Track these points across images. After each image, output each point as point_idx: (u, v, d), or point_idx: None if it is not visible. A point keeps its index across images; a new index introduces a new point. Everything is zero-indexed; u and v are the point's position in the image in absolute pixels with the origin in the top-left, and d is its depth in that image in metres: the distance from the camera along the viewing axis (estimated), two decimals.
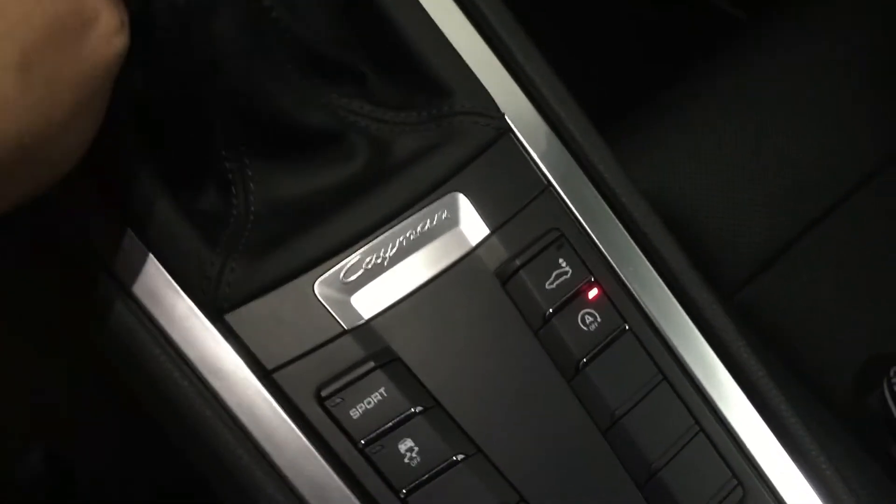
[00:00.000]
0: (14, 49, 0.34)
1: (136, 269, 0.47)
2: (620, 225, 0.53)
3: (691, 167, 0.92)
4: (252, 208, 0.51)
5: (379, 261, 0.49)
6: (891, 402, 0.81)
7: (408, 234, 0.49)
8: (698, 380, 0.52)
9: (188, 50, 0.46)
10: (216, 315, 0.47)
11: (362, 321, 0.48)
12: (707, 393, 0.52)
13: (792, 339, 0.86)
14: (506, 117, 0.53)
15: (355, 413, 0.46)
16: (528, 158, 0.53)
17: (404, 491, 0.46)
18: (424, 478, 0.46)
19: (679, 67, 1.06)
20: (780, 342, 0.86)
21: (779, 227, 0.91)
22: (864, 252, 0.92)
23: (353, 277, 0.48)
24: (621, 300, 0.51)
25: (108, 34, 0.39)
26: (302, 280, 0.48)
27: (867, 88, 1.01)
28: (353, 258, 0.48)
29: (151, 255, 0.47)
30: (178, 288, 0.47)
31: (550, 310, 0.49)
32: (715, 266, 0.88)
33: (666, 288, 0.53)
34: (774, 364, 0.82)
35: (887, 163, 0.97)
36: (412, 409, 0.46)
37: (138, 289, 0.47)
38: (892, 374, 0.82)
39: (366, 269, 0.48)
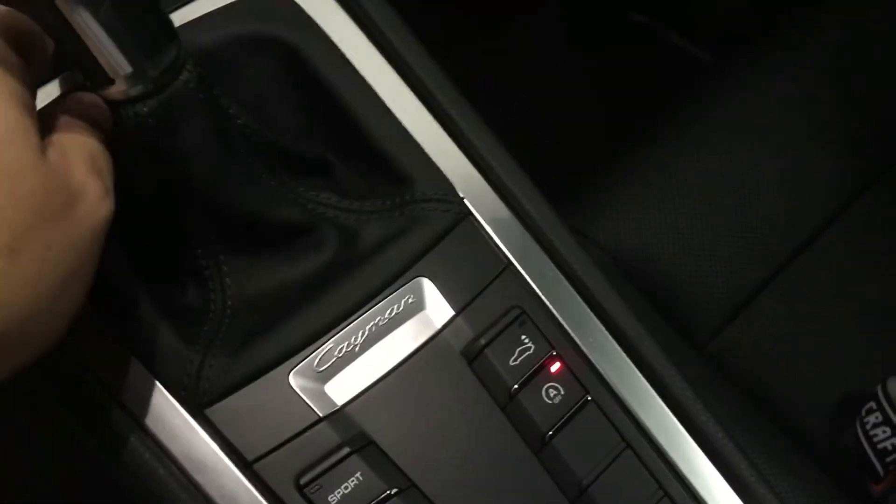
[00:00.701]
0: (3, 232, 0.35)
1: (118, 369, 0.49)
2: (579, 298, 0.56)
3: (655, 220, 0.95)
4: (229, 303, 0.53)
5: (350, 348, 0.51)
6: (864, 441, 0.83)
7: (377, 321, 0.52)
8: (661, 446, 0.54)
9: (158, 161, 0.49)
10: (197, 410, 0.49)
11: (336, 408, 0.50)
12: (670, 458, 0.54)
13: (766, 383, 0.89)
14: (465, 201, 0.56)
15: (333, 499, 0.48)
16: (489, 239, 0.56)
17: None
18: None
19: (644, 112, 1.09)
20: (754, 387, 0.88)
21: (746, 273, 0.94)
22: (831, 293, 0.95)
23: (326, 366, 0.51)
24: (583, 371, 0.54)
25: (94, 203, 0.40)
26: (277, 372, 0.50)
27: (829, 129, 1.04)
28: (325, 347, 0.51)
29: (134, 357, 0.49)
30: (161, 386, 0.49)
31: (515, 386, 0.52)
32: (686, 317, 0.90)
33: (626, 357, 0.55)
34: (749, 408, 0.84)
35: (849, 204, 1.00)
36: (388, 492, 0.48)
37: (121, 388, 0.49)
38: (863, 412, 0.84)
39: (338, 357, 0.51)
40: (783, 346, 0.91)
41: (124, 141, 0.48)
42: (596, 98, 1.53)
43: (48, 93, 0.54)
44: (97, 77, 0.44)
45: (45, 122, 0.42)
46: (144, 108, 0.45)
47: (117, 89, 0.45)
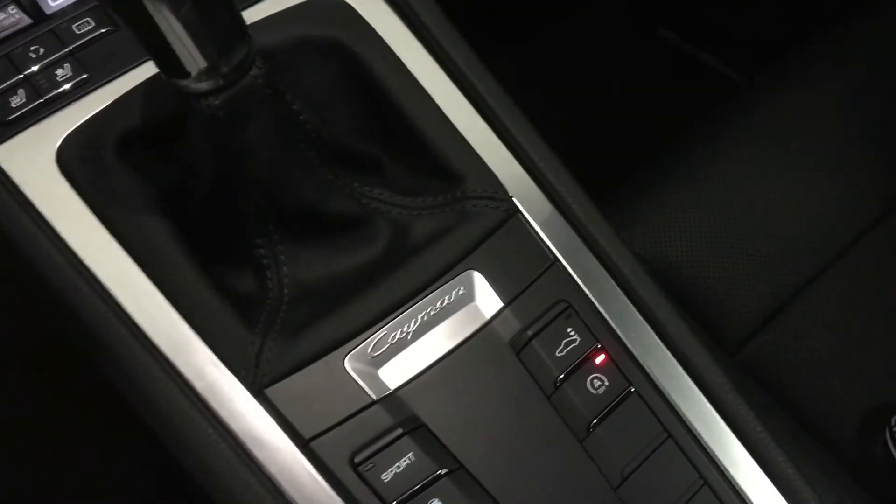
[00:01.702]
0: None
1: (185, 350, 0.52)
2: (623, 294, 0.58)
3: (690, 230, 0.96)
4: (286, 291, 0.56)
5: (403, 335, 0.53)
6: (893, 449, 0.84)
7: (428, 310, 0.54)
8: (700, 436, 0.56)
9: (225, 153, 0.51)
10: (257, 390, 0.51)
11: (389, 391, 0.52)
12: (709, 448, 0.56)
13: (795, 392, 0.90)
14: (513, 199, 0.58)
15: (386, 477, 0.50)
16: (535, 236, 0.58)
17: None
18: None
19: (676, 128, 1.11)
20: (784, 395, 0.89)
21: (777, 284, 0.95)
22: (861, 305, 0.95)
23: (379, 352, 0.53)
24: (626, 364, 0.56)
25: None
26: (333, 356, 0.52)
27: (860, 148, 1.06)
28: (379, 334, 0.53)
29: (200, 339, 0.52)
30: (223, 367, 0.51)
31: (561, 375, 0.54)
32: (717, 324, 0.92)
33: (668, 351, 0.57)
34: (779, 417, 0.85)
35: (883, 215, 1.01)
36: (438, 472, 0.51)
37: (187, 369, 0.51)
38: (893, 422, 0.85)
39: (391, 344, 0.53)
40: (814, 354, 0.92)
41: (194, 131, 0.51)
42: (623, 110, 1.55)
43: (138, 75, 0.57)
44: (174, 69, 0.47)
45: None
46: (216, 101, 0.48)
47: (192, 82, 0.47)
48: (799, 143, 1.05)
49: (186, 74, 0.47)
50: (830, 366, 0.92)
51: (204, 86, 0.47)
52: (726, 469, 0.56)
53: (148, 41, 0.46)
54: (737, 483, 0.56)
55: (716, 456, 0.56)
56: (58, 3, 0.61)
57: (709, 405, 0.57)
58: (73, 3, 0.61)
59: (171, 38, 0.45)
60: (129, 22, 0.47)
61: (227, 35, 0.47)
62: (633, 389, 0.55)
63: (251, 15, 0.61)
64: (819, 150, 1.05)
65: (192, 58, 0.46)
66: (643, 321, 0.58)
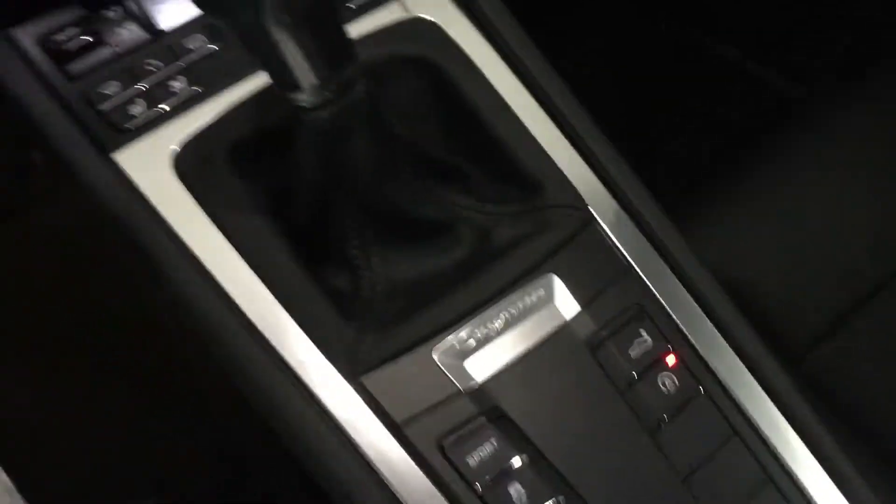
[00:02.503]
0: None
1: (289, 340, 0.57)
2: (693, 300, 0.62)
3: (754, 242, 0.99)
4: (378, 287, 0.60)
5: (487, 331, 0.58)
6: None
7: (511, 309, 0.58)
8: (766, 436, 0.59)
9: (329, 162, 0.56)
10: (353, 378, 0.56)
11: (475, 383, 0.57)
12: (774, 448, 0.59)
13: (856, 404, 0.92)
14: (590, 208, 0.62)
15: (471, 460, 0.54)
16: (610, 243, 0.62)
17: None
18: None
19: (739, 144, 1.14)
20: (844, 408, 0.91)
21: (841, 296, 0.97)
22: None
23: (465, 346, 0.57)
24: (696, 366, 0.60)
25: None
26: (423, 348, 0.57)
27: None
28: (465, 329, 0.58)
29: (301, 331, 0.57)
30: (324, 356, 0.56)
31: (634, 374, 0.58)
32: (779, 335, 0.94)
33: (736, 356, 0.61)
34: (840, 427, 0.87)
35: None
36: (520, 458, 0.55)
37: (290, 357, 0.56)
38: None
39: (476, 339, 0.57)
40: (873, 370, 0.93)
41: (302, 141, 0.56)
42: (686, 123, 1.58)
43: (246, 88, 0.63)
44: (287, 84, 0.52)
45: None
46: (324, 115, 0.53)
47: (303, 96, 0.52)
48: (862, 162, 1.06)
49: (300, 89, 0.52)
50: (892, 379, 0.93)
51: (314, 100, 0.52)
52: (791, 468, 0.59)
53: (267, 60, 0.51)
54: (800, 482, 0.59)
55: (780, 456, 0.59)
56: (172, 20, 0.67)
57: (773, 407, 0.60)
58: (187, 21, 0.66)
59: (288, 57, 0.50)
60: (252, 43, 0.52)
61: (337, 54, 0.52)
62: (702, 390, 0.59)
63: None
64: (883, 169, 1.06)
65: (306, 74, 0.51)
66: (711, 325, 0.61)
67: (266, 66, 0.53)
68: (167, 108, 0.62)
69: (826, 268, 0.98)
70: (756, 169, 1.07)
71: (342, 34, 0.52)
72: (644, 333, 0.59)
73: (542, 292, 0.59)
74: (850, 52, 1.44)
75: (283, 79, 0.51)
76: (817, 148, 1.08)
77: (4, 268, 1.40)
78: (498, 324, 0.58)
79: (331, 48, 0.51)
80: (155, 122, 0.62)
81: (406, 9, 0.68)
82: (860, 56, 1.21)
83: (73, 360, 1.28)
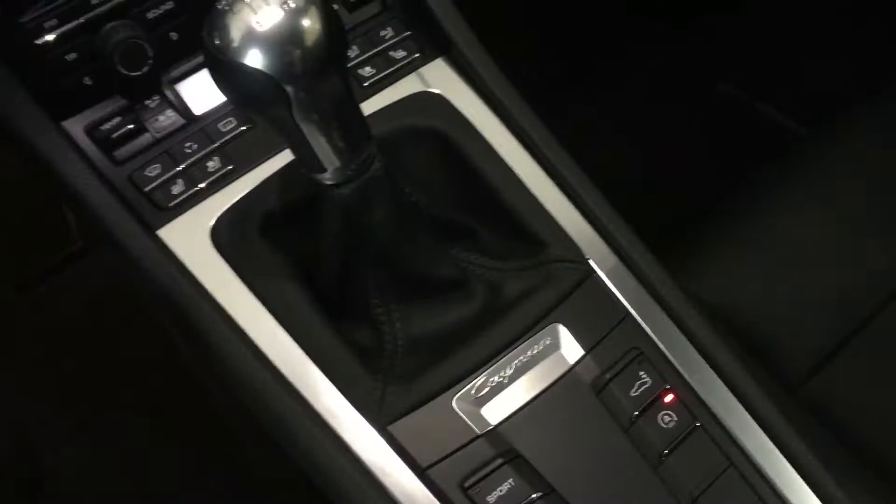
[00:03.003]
0: None
1: (321, 395, 0.63)
2: (687, 341, 0.67)
3: (752, 273, 1.04)
4: (399, 343, 0.66)
5: (500, 379, 0.64)
6: None
7: (521, 358, 0.64)
8: (760, 466, 0.65)
9: (352, 232, 0.63)
10: (381, 427, 0.62)
11: (491, 427, 0.62)
12: (768, 477, 0.64)
13: (854, 429, 0.96)
14: (590, 261, 0.68)
15: (491, 499, 0.60)
16: (610, 293, 0.68)
17: None
18: None
19: (734, 177, 1.19)
20: (842, 432, 0.96)
21: (836, 324, 1.01)
22: None
23: (481, 393, 0.63)
24: (692, 402, 0.65)
25: None
26: (443, 397, 0.63)
27: None
28: (480, 378, 0.63)
29: (332, 385, 0.63)
30: (354, 409, 0.62)
31: (636, 412, 0.64)
32: (777, 363, 0.99)
33: (730, 392, 0.66)
34: (836, 452, 0.91)
35: None
36: (535, 495, 0.60)
37: (322, 409, 0.62)
38: None
39: (491, 387, 0.63)
40: (875, 393, 0.98)
41: (327, 214, 0.62)
42: (682, 161, 1.62)
43: (274, 164, 0.70)
44: (313, 167, 0.58)
45: None
46: (346, 191, 0.59)
47: (327, 177, 0.59)
48: (858, 194, 1.11)
49: (324, 170, 0.58)
50: (888, 404, 0.97)
51: (337, 178, 0.59)
52: (784, 495, 0.64)
53: (295, 148, 0.58)
54: None
55: (774, 483, 0.64)
56: (205, 105, 0.74)
57: (765, 437, 0.65)
58: (217, 106, 0.73)
59: (314, 147, 0.56)
60: (281, 134, 0.59)
61: (357, 139, 0.58)
62: (698, 424, 0.64)
63: (363, 108, 0.72)
64: (878, 201, 1.11)
65: (330, 160, 0.57)
66: (706, 365, 0.67)
67: (294, 152, 0.59)
68: (204, 186, 0.69)
69: (823, 297, 1.03)
70: (754, 202, 1.12)
71: (361, 121, 0.59)
72: (644, 374, 0.64)
73: (548, 341, 0.65)
74: (847, 89, 1.49)
75: (310, 164, 0.58)
76: (812, 180, 1.13)
77: (43, 325, 1.47)
78: (510, 371, 0.64)
79: (351, 135, 0.58)
80: (193, 199, 0.69)
81: (415, 84, 0.75)
82: (857, 92, 1.26)
83: (110, 411, 1.34)
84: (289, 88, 0.52)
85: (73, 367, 1.40)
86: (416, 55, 0.76)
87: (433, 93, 0.75)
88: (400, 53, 0.76)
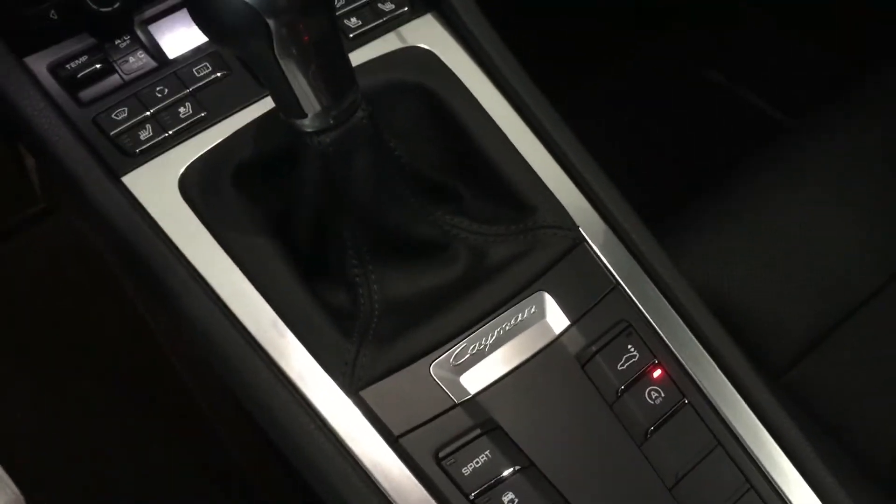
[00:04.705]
0: None
1: (290, 355, 0.59)
2: (677, 315, 0.64)
3: (737, 258, 1.02)
4: (376, 305, 0.63)
5: (481, 347, 0.60)
6: None
7: (504, 325, 0.61)
8: (747, 446, 0.62)
9: (331, 184, 0.59)
10: (353, 392, 0.58)
11: (469, 396, 0.59)
12: (755, 457, 0.62)
13: (836, 417, 0.94)
14: (580, 229, 0.65)
15: (466, 471, 0.57)
16: (599, 262, 0.65)
17: None
18: None
19: (722, 165, 1.17)
20: (825, 420, 0.94)
21: (822, 312, 1.00)
22: None
23: (461, 361, 0.60)
24: (681, 379, 0.62)
25: None
26: (420, 363, 0.59)
27: None
28: (460, 345, 0.60)
29: (302, 346, 0.59)
30: (324, 371, 0.59)
31: (622, 387, 0.61)
32: (762, 349, 0.97)
33: (718, 369, 0.63)
34: (819, 437, 0.90)
35: None
36: (513, 468, 0.57)
37: (291, 372, 0.59)
38: None
39: (471, 354, 0.60)
40: (854, 383, 0.96)
41: (305, 164, 0.59)
42: (670, 149, 1.61)
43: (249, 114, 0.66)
44: (292, 111, 0.55)
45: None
46: (327, 139, 0.56)
47: (307, 122, 0.55)
48: (844, 181, 1.10)
49: (304, 115, 0.54)
50: (871, 393, 0.96)
51: (317, 125, 0.55)
52: (770, 475, 0.62)
53: (274, 88, 0.54)
54: (780, 488, 0.62)
55: (761, 463, 0.62)
56: (179, 49, 0.70)
57: (755, 417, 0.63)
58: (192, 50, 0.69)
59: (294, 87, 0.53)
60: (260, 72, 0.55)
61: (340, 84, 0.55)
62: (686, 401, 0.62)
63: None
64: (863, 189, 1.10)
65: (310, 102, 0.54)
66: (696, 340, 0.64)
67: (272, 94, 0.55)
68: (173, 133, 0.65)
69: (808, 285, 1.01)
70: (741, 187, 1.10)
71: (345, 64, 0.55)
72: (631, 348, 0.61)
73: (533, 309, 0.62)
74: (835, 79, 1.48)
75: (289, 106, 0.54)
76: (801, 167, 1.11)
77: (1, 286, 1.42)
78: (492, 339, 0.60)
79: (334, 78, 0.54)
80: (162, 145, 0.65)
81: (403, 39, 0.72)
82: (844, 82, 1.25)
83: (72, 376, 1.30)
84: (271, 22, 0.48)
85: (33, 330, 1.35)
86: (405, 8, 0.72)
87: (422, 48, 0.71)
88: (388, 6, 0.72)
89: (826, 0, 1.55)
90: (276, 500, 1.11)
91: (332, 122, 0.55)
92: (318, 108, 0.54)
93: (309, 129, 0.55)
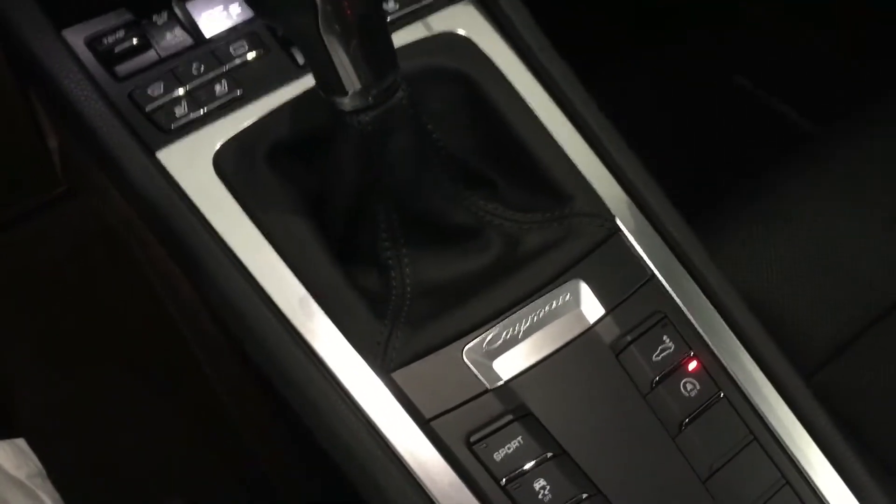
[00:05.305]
0: None
1: (322, 336, 0.58)
2: (713, 308, 0.63)
3: (765, 264, 1.01)
4: (408, 288, 0.62)
5: (515, 333, 0.60)
6: None
7: (538, 312, 0.60)
8: (784, 442, 0.61)
9: (369, 164, 0.59)
10: (384, 374, 0.58)
11: (502, 382, 0.58)
12: (791, 452, 0.61)
13: (864, 420, 0.93)
14: (616, 219, 0.64)
15: (498, 456, 0.56)
16: (635, 252, 0.64)
17: None
18: None
19: (747, 172, 1.16)
20: (850, 424, 0.93)
21: (849, 318, 0.99)
22: None
23: (494, 346, 0.59)
24: (716, 372, 0.61)
25: None
26: (452, 347, 0.59)
27: None
28: (493, 331, 0.59)
29: (334, 326, 0.58)
30: (356, 352, 0.58)
31: (657, 378, 0.60)
32: (792, 349, 0.95)
33: (754, 363, 0.63)
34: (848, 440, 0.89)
35: None
36: (544, 455, 0.56)
37: (323, 351, 0.58)
38: None
39: (504, 340, 0.59)
40: (880, 388, 0.95)
41: (343, 144, 0.58)
42: (695, 153, 1.60)
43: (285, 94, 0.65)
44: (334, 89, 0.54)
45: None
46: (366, 118, 0.55)
47: (347, 100, 0.55)
48: (872, 188, 1.09)
49: (344, 93, 0.54)
50: None
51: (357, 103, 0.55)
52: (806, 471, 0.61)
53: (316, 64, 0.54)
54: (815, 485, 0.61)
55: (797, 459, 0.61)
56: (216, 27, 0.69)
57: (790, 412, 0.62)
58: (229, 29, 0.69)
59: (336, 63, 0.52)
60: (303, 48, 0.55)
61: (381, 63, 0.54)
62: (722, 395, 0.61)
63: None
64: (890, 196, 1.09)
65: (352, 80, 0.53)
66: (731, 333, 0.63)
67: (313, 70, 0.55)
68: (209, 110, 0.65)
69: (836, 291, 1.00)
70: (769, 193, 1.09)
71: (388, 43, 0.55)
72: (667, 339, 0.61)
73: (568, 297, 0.61)
74: (859, 86, 1.47)
75: (329, 83, 0.54)
76: (830, 180, 1.10)
77: (23, 269, 1.42)
78: (526, 326, 0.60)
79: (376, 56, 0.54)
80: (197, 122, 0.64)
81: (440, 24, 0.71)
82: (871, 90, 1.24)
83: (90, 360, 1.30)
84: None
85: (52, 314, 1.35)
86: None
87: (459, 34, 0.71)
88: None
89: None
90: (295, 497, 1.11)
91: (371, 101, 0.55)
92: (358, 86, 0.54)
93: (348, 108, 0.55)
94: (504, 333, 0.59)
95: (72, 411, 1.23)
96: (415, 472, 0.56)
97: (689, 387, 0.60)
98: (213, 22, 0.69)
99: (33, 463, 0.72)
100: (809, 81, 1.63)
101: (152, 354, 1.27)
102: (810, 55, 1.65)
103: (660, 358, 0.60)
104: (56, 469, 0.82)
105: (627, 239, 0.64)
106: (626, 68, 1.68)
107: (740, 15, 1.71)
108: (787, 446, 0.61)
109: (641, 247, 0.64)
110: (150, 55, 0.67)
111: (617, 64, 1.68)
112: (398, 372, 0.58)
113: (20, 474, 0.77)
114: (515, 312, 0.60)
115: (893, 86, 1.22)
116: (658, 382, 0.60)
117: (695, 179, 1.51)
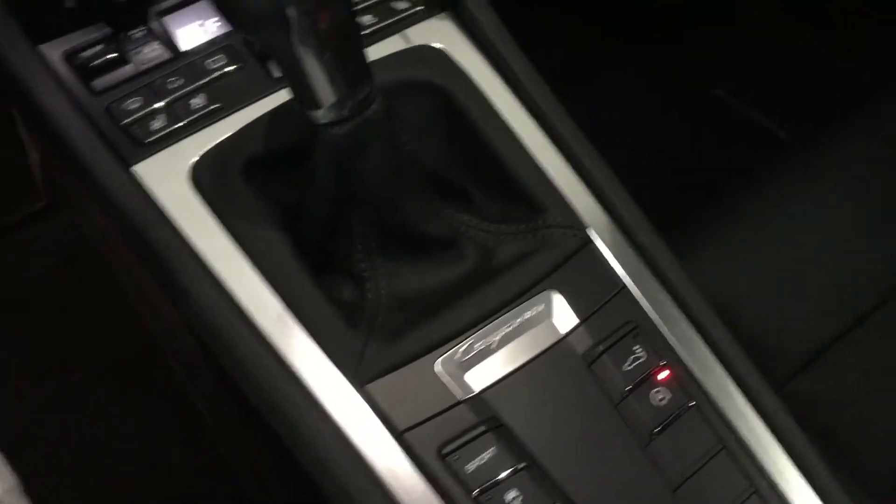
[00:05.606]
0: None
1: (297, 349, 0.59)
2: (685, 318, 0.64)
3: (739, 271, 1.02)
4: (383, 300, 0.63)
5: (488, 344, 0.60)
6: None
7: (511, 323, 0.61)
8: (753, 451, 0.62)
9: (345, 177, 0.59)
10: (359, 385, 0.58)
11: (474, 393, 0.59)
12: (759, 461, 0.62)
13: (836, 429, 0.94)
14: (589, 230, 0.65)
15: (470, 468, 0.56)
16: (607, 263, 0.65)
17: None
18: None
19: (722, 178, 1.17)
20: (824, 432, 0.94)
21: (823, 325, 1.00)
22: None
23: (466, 358, 0.60)
24: (687, 381, 0.62)
25: None
26: (425, 359, 0.59)
27: None
28: (466, 342, 0.60)
29: (309, 338, 0.59)
30: (331, 363, 0.58)
31: (628, 388, 0.60)
32: (764, 358, 0.96)
33: (725, 372, 0.63)
34: (821, 449, 0.90)
35: None
36: (517, 466, 0.57)
37: (297, 364, 0.59)
38: None
39: (477, 351, 0.60)
40: (854, 395, 0.96)
41: (319, 157, 0.59)
42: (671, 160, 1.61)
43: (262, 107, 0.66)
44: (308, 101, 0.55)
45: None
46: (342, 130, 0.56)
47: (322, 113, 0.55)
48: (845, 196, 1.11)
49: (319, 106, 0.55)
50: (870, 406, 0.96)
51: (332, 116, 0.55)
52: (775, 480, 0.62)
53: (291, 77, 0.54)
54: (784, 493, 0.61)
55: (766, 468, 0.62)
56: (193, 41, 0.70)
57: (760, 422, 0.63)
58: (206, 42, 0.70)
59: (311, 76, 0.53)
60: (279, 61, 0.55)
61: (355, 75, 0.55)
62: (692, 404, 0.61)
63: None
64: (864, 204, 1.10)
65: (326, 93, 0.54)
66: (702, 343, 0.64)
67: (289, 83, 0.56)
68: (186, 123, 0.65)
69: (810, 298, 1.01)
70: (744, 200, 1.11)
71: (362, 56, 0.55)
72: (638, 349, 0.61)
73: (541, 308, 0.62)
74: (831, 95, 1.49)
75: (305, 96, 0.54)
76: (804, 182, 1.12)
77: (2, 283, 1.41)
78: (498, 337, 0.60)
79: (351, 69, 0.54)
80: (174, 136, 0.65)
81: (416, 37, 0.72)
82: (868, 91, 1.25)
83: (68, 370, 1.30)
84: (290, 10, 0.49)
85: (32, 328, 1.35)
86: (420, 8, 0.73)
87: (435, 47, 0.71)
88: (402, 4, 0.73)
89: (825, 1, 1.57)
90: (267, 499, 1.11)
91: (346, 114, 0.55)
92: (332, 99, 0.54)
93: (323, 121, 0.56)
94: (477, 345, 0.60)
95: (49, 426, 1.23)
96: (388, 485, 0.57)
97: (659, 396, 0.61)
98: (190, 36, 0.70)
99: (10, 477, 0.72)
100: (806, 83, 1.65)
101: (131, 369, 1.27)
102: (807, 56, 1.66)
103: (631, 367, 0.61)
104: (33, 484, 0.81)
105: (599, 250, 0.65)
106: (617, 70, 1.70)
107: (737, 16, 1.72)
108: (757, 455, 0.62)
109: (614, 257, 0.65)
110: (128, 69, 0.67)
111: (608, 66, 1.69)
112: (372, 384, 0.58)
113: None
114: (488, 324, 0.61)
115: (890, 87, 1.24)
116: (629, 392, 0.60)
117: (672, 188, 1.53)
